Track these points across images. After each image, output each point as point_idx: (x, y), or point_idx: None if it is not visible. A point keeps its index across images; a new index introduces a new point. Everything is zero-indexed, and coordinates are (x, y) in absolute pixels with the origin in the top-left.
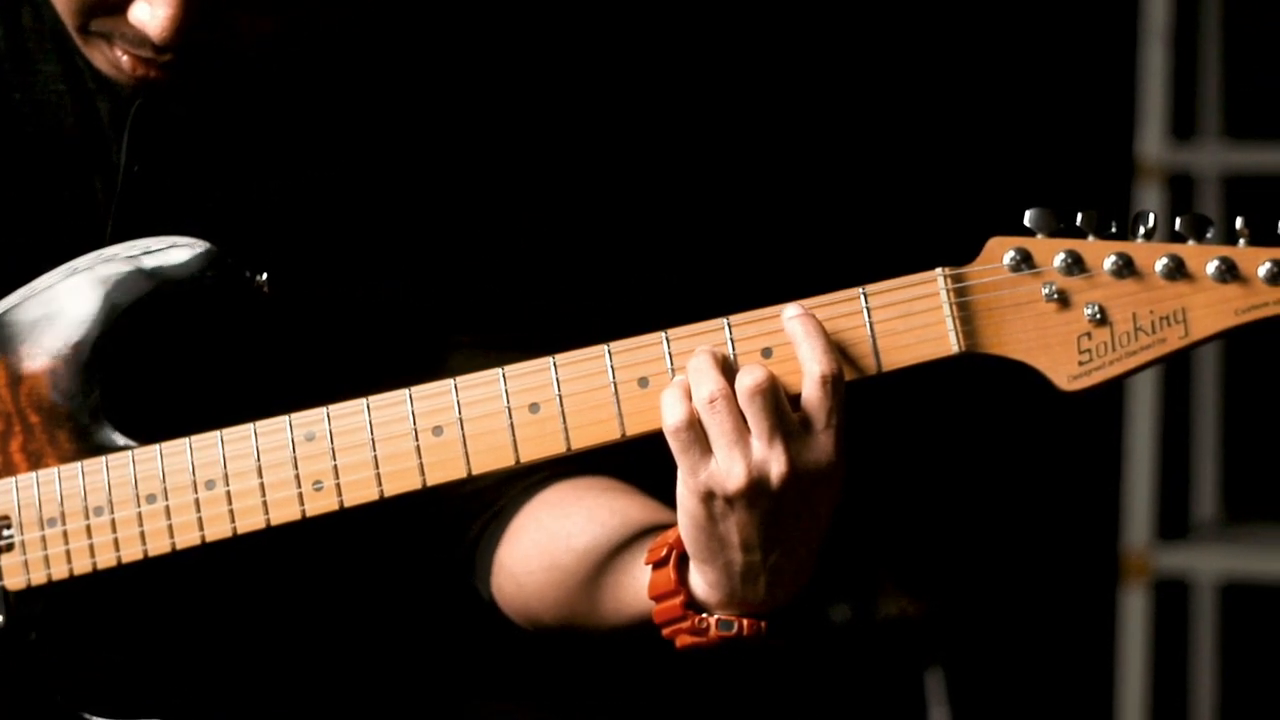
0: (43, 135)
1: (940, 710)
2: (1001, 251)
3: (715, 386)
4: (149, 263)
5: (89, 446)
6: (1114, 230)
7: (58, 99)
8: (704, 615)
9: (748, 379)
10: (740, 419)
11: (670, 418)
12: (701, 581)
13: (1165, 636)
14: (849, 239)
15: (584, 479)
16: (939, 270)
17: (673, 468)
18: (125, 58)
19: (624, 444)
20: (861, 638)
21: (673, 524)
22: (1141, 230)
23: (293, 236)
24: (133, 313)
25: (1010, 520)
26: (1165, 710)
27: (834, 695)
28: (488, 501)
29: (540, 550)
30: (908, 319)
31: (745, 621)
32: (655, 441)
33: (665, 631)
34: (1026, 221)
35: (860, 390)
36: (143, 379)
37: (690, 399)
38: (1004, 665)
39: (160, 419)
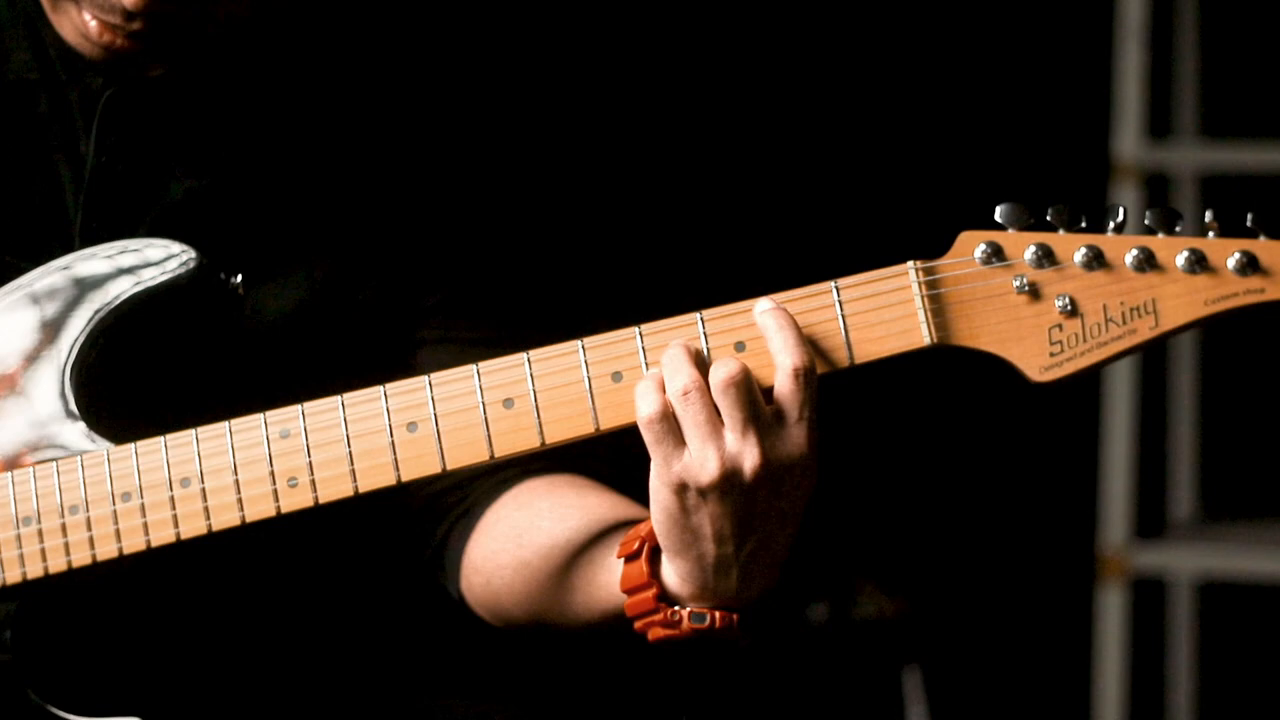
0: (12, 122)
1: (918, 709)
2: (973, 245)
3: (689, 379)
4: (126, 262)
5: (62, 447)
6: (1084, 225)
7: (29, 87)
8: (676, 608)
9: (721, 371)
10: (714, 411)
11: (644, 409)
12: (674, 574)
13: (1143, 635)
14: (822, 234)
15: (553, 476)
16: (911, 264)
17: (645, 465)
18: (94, 23)
19: (598, 439)
20: (839, 637)
21: (643, 520)
22: (1111, 224)
23: (260, 230)
24: (108, 314)
25: (987, 519)
26: (1143, 709)
27: (812, 695)
28: (456, 500)
29: (509, 546)
30: (879, 312)
31: (718, 614)
32: (628, 436)
33: (638, 625)
34: (998, 216)
35: (837, 389)
36: (118, 380)
37: (664, 391)
38: (982, 664)
39: (135, 420)
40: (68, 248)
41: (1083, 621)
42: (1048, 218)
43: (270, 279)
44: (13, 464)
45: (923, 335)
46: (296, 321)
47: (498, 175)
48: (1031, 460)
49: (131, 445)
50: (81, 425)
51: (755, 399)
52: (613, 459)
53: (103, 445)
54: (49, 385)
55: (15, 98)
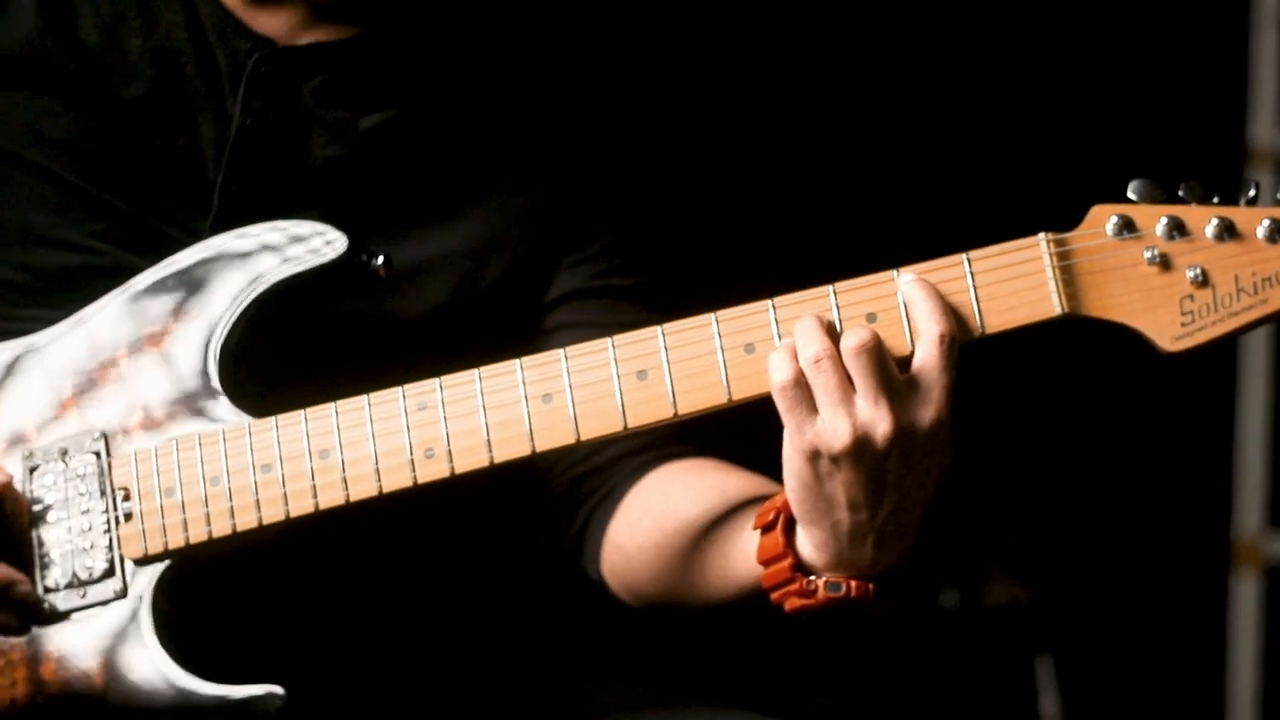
0: (160, 82)
1: (1050, 696)
2: (1104, 217)
3: (821, 346)
4: (275, 241)
5: (206, 420)
6: (1216, 200)
7: (178, 47)
8: (812, 578)
9: (853, 339)
10: (846, 379)
11: (777, 376)
12: (809, 543)
13: (1276, 623)
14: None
15: (689, 460)
16: (1042, 235)
17: (777, 446)
18: None
19: (729, 410)
20: (971, 624)
21: (778, 495)
22: (1243, 199)
23: (397, 200)
24: (256, 293)
25: (1121, 506)
26: (1277, 697)
27: (944, 682)
28: (596, 484)
29: (648, 526)
30: (1010, 282)
31: (854, 583)
32: (761, 416)
33: (774, 595)
34: (1130, 192)
35: (972, 377)
36: (261, 355)
37: (797, 359)
38: (1114, 651)
39: (276, 394)
40: (205, 209)
41: (1216, 609)
42: (1180, 194)
43: (408, 251)
44: (152, 424)
45: (1053, 305)
46: (435, 298)
47: (637, 155)
48: (1166, 447)
49: (272, 419)
50: (224, 399)
51: (887, 367)
52: (748, 442)
53: (244, 419)
54: (194, 357)
55: (163, 60)
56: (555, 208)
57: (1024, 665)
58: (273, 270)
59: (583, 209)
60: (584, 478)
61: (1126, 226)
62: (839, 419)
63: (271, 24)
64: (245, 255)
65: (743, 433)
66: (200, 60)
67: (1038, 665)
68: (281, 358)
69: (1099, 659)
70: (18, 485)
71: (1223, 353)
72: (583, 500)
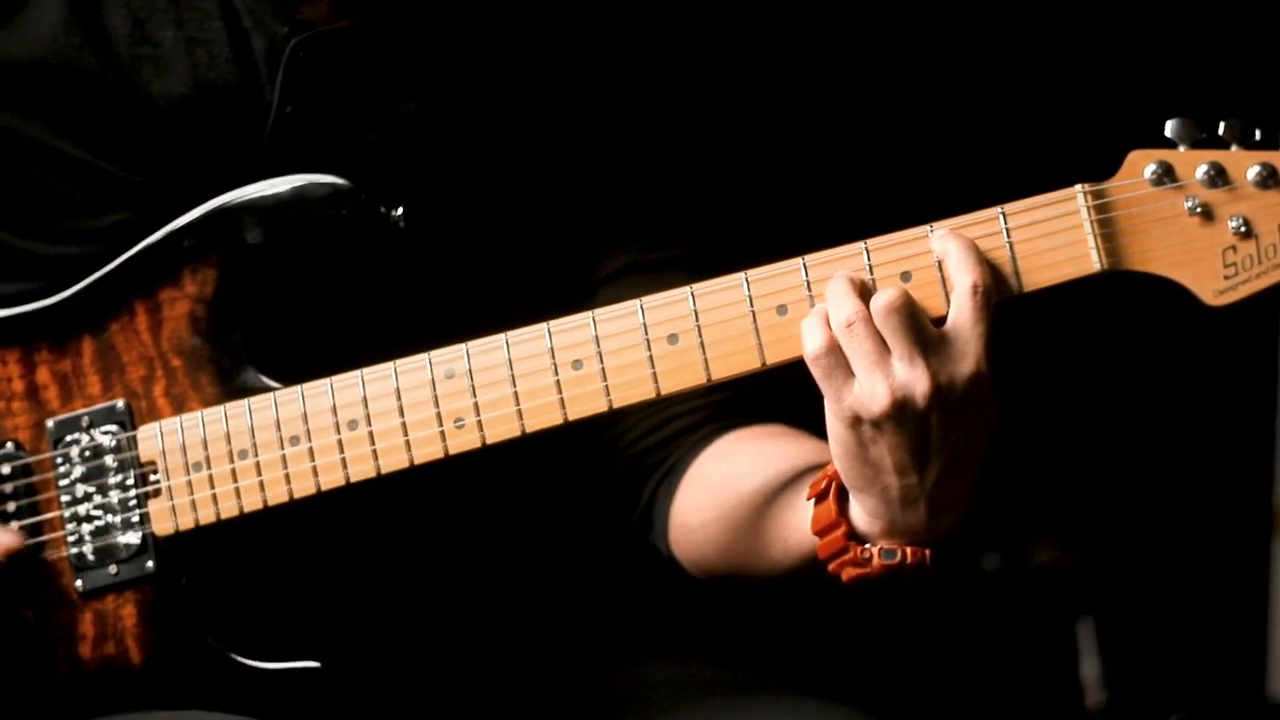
0: (195, 72)
1: (1091, 660)
2: (1142, 165)
3: (852, 309)
4: (287, 197)
5: (231, 389)
6: (1258, 139)
7: (213, 36)
8: (866, 546)
9: (882, 299)
10: (879, 341)
11: (810, 345)
12: (861, 511)
13: None
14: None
15: (750, 428)
16: (1079, 187)
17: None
18: None
19: (766, 373)
20: (1012, 587)
21: (829, 464)
22: None
23: (439, 172)
24: (271, 249)
25: (1161, 469)
26: None
27: (984, 645)
28: (659, 459)
29: (710, 498)
30: (1048, 238)
31: (909, 550)
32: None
33: (831, 567)
34: (1167, 132)
35: (1010, 339)
36: (282, 318)
37: (829, 325)
38: (1155, 615)
39: (300, 358)
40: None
41: (1258, 573)
42: (1220, 132)
43: (441, 221)
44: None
45: (1093, 261)
46: (464, 256)
47: (668, 114)
48: (1207, 411)
49: (298, 388)
50: (248, 364)
51: (920, 325)
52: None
53: (269, 387)
54: (215, 320)
55: (198, 46)
56: (595, 183)
57: (1065, 629)
58: (293, 226)
59: (624, 183)
60: (647, 453)
61: (1166, 174)
62: (876, 382)
63: (309, 8)
64: (265, 211)
65: (803, 386)
66: (235, 48)
67: (1079, 629)
68: (304, 319)
69: (1140, 623)
70: (44, 458)
71: (1265, 309)
72: (646, 476)
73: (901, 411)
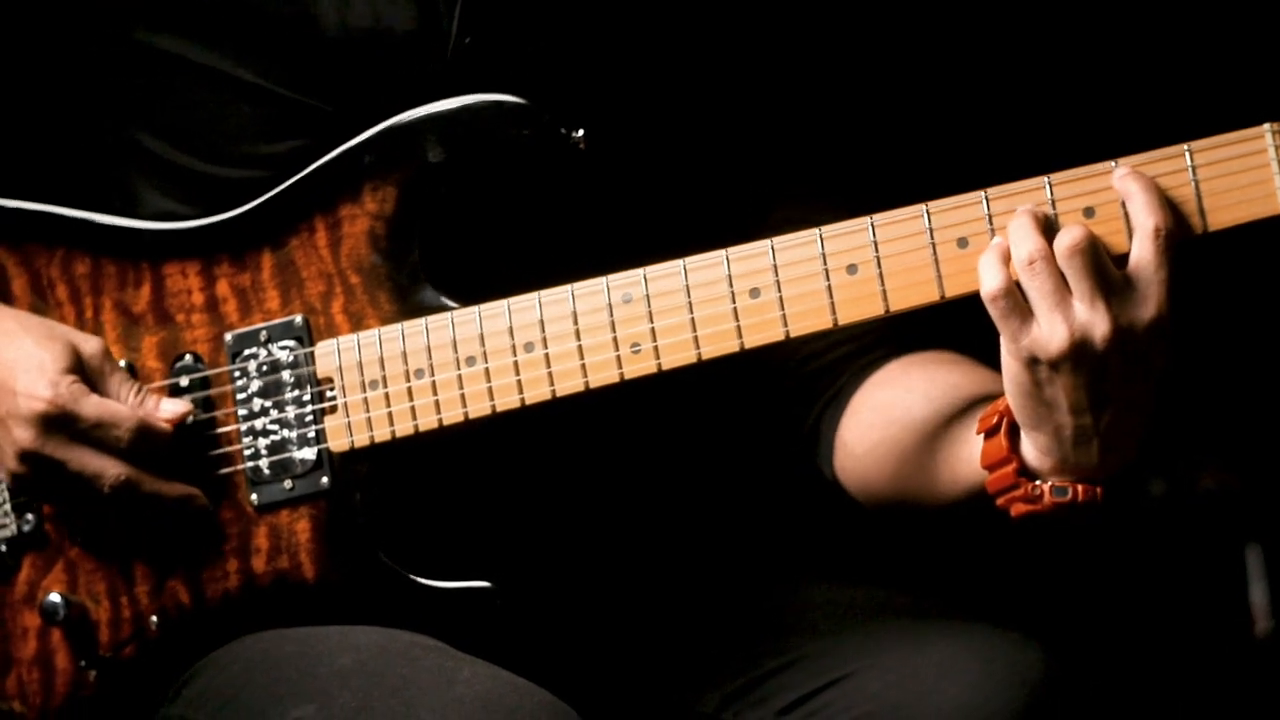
0: (375, 4)
1: (1259, 586)
2: None
3: (1034, 246)
4: (467, 117)
5: (409, 307)
6: None
7: None
8: (1038, 483)
9: (1066, 238)
10: (1061, 280)
11: (988, 284)
12: (1033, 448)
13: None
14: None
15: (918, 354)
16: (1267, 125)
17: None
18: None
19: (944, 306)
20: (1179, 512)
21: (1000, 399)
22: None
23: (620, 96)
24: (451, 168)
25: None
26: None
27: (1150, 571)
28: (827, 383)
29: (877, 424)
30: (1234, 177)
31: (1080, 487)
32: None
33: (999, 501)
34: None
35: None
36: (461, 237)
37: (1008, 264)
38: None
39: (477, 279)
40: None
41: None
42: None
43: (621, 146)
44: (354, 309)
45: (1279, 203)
46: (644, 179)
47: (850, 35)
48: None
49: (475, 308)
50: (426, 283)
51: (1104, 266)
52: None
53: (447, 305)
54: (395, 238)
55: None
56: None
57: (1233, 554)
58: (474, 146)
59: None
60: (815, 375)
61: None
62: (1055, 323)
63: None
64: (445, 130)
65: (974, 313)
66: None
67: (1248, 554)
68: (483, 239)
69: None
70: (221, 371)
71: None
72: (814, 399)
73: (1080, 354)
